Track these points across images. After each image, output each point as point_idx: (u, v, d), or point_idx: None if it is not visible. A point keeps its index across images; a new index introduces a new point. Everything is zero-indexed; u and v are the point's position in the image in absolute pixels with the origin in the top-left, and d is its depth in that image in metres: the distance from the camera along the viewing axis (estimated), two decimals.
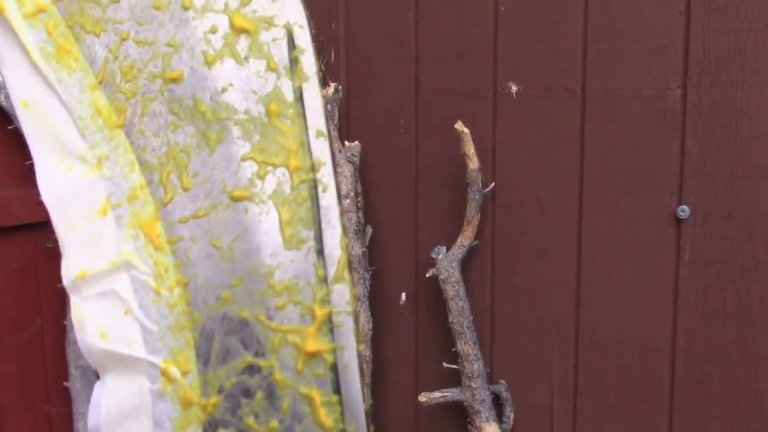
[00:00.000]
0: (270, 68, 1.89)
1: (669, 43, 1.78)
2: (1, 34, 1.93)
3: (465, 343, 2.02)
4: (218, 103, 1.88)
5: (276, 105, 1.87)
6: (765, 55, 1.67)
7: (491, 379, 2.11)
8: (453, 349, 2.06)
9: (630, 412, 1.92)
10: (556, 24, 1.92)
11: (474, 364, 2.02)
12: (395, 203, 2.23)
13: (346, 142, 2.20)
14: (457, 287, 2.03)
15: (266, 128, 1.88)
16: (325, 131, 1.88)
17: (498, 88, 2.02)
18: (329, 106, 2.21)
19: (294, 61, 1.89)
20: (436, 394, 2.06)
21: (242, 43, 1.89)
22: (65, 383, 2.30)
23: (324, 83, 2.29)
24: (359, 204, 2.19)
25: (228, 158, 1.90)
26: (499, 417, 2.08)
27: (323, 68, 2.30)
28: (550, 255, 1.99)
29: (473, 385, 2.02)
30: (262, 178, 1.88)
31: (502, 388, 2.08)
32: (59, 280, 2.56)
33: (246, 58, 1.88)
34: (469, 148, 1.96)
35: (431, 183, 2.16)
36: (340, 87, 2.26)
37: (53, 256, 2.52)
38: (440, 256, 2.04)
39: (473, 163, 1.97)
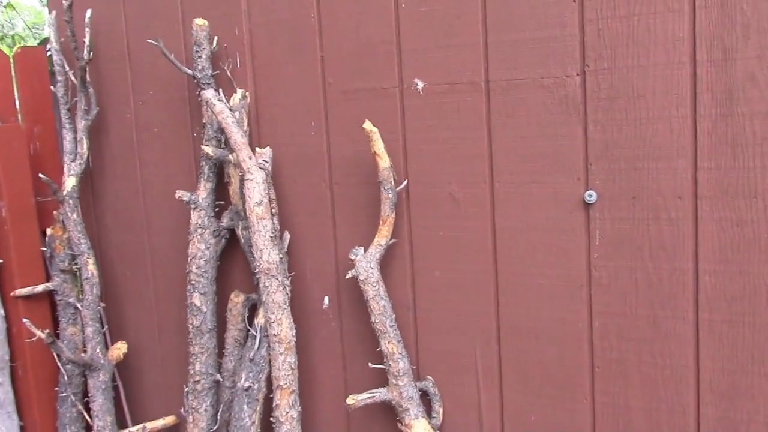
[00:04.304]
0: None
1: (566, 32, 1.81)
2: None
3: (389, 342, 2.02)
4: None
5: None
6: (656, 39, 1.72)
7: (418, 376, 2.11)
8: (378, 349, 2.05)
9: (554, 396, 1.94)
10: (455, 18, 1.93)
11: (399, 363, 2.02)
12: (311, 207, 2.21)
13: (257, 149, 2.17)
14: (377, 287, 2.02)
15: None
16: None
17: (404, 85, 2.02)
18: (237, 113, 2.18)
19: None
20: (364, 396, 2.05)
21: None
22: None
23: (231, 89, 2.25)
24: (274, 210, 2.16)
25: None
26: (429, 413, 2.08)
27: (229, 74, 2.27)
28: (467, 247, 2.00)
29: (400, 384, 2.02)
30: None
31: (429, 383, 2.08)
32: None
33: None
34: (379, 147, 1.96)
35: (346, 184, 2.15)
36: (247, 93, 2.23)
37: None
38: (358, 257, 2.03)
39: (384, 162, 1.96)
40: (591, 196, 1.82)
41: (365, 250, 2.04)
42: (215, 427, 2.33)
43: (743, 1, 1.62)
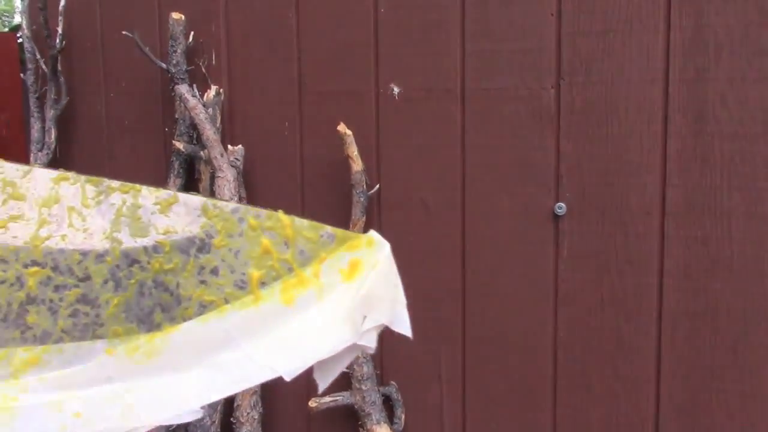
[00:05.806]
0: None
1: (542, 45, 1.82)
2: None
3: None
4: None
5: None
6: (631, 56, 1.74)
7: (382, 381, 2.10)
8: None
9: (516, 406, 1.95)
10: (434, 26, 1.94)
11: (363, 367, 2.01)
12: (281, 207, 2.19)
13: (228, 146, 2.15)
14: None
15: None
16: None
17: (380, 90, 2.02)
18: (210, 110, 2.16)
19: None
20: (326, 399, 2.04)
21: None
22: None
23: (205, 86, 2.23)
24: None
25: None
26: (390, 418, 2.08)
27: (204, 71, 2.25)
28: (436, 254, 2.00)
29: (363, 388, 2.01)
30: None
31: (392, 389, 2.08)
32: None
33: None
34: (353, 150, 1.95)
35: (317, 185, 2.14)
36: (221, 90, 2.21)
37: None
38: None
39: (357, 165, 1.96)
40: (561, 208, 1.83)
41: None
42: (173, 427, 2.30)
43: (717, 24, 1.65)
